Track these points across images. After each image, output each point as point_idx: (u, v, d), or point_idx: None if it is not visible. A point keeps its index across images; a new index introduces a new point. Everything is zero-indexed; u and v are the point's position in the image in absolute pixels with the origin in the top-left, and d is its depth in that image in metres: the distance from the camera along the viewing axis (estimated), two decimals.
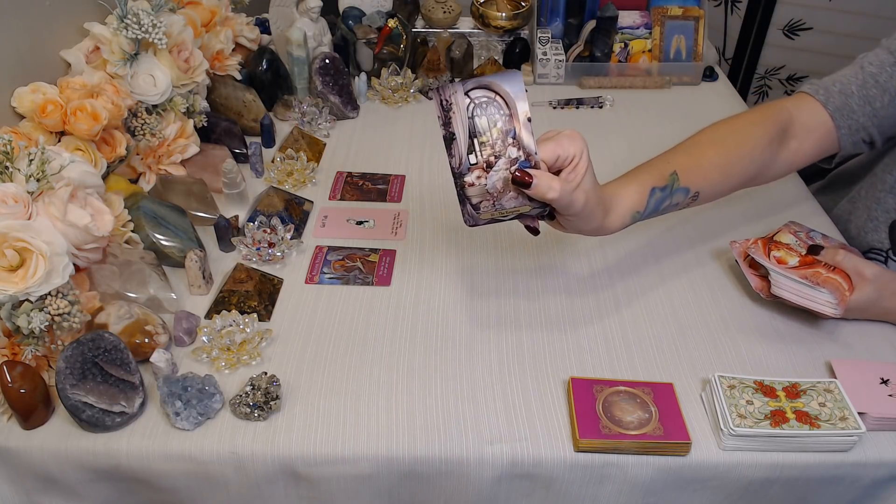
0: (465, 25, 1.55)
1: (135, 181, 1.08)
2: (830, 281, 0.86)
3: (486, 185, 0.74)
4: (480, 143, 0.73)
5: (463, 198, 0.75)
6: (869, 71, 0.95)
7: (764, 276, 0.91)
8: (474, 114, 0.73)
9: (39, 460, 0.77)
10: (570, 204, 0.74)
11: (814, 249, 0.91)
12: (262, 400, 0.78)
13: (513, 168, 0.73)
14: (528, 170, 0.73)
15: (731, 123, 0.94)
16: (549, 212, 0.78)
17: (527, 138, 0.73)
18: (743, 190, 1.14)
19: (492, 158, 0.73)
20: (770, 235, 0.96)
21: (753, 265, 0.93)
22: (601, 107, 1.41)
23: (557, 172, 0.75)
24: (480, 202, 0.75)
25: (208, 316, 0.92)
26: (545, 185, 0.72)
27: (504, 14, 1.49)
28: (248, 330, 0.86)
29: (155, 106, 1.07)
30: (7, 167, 0.79)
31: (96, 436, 0.77)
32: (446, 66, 1.45)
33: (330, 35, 1.39)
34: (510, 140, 0.73)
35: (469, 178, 0.74)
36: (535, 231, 0.80)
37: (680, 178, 0.86)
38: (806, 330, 0.91)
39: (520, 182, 0.72)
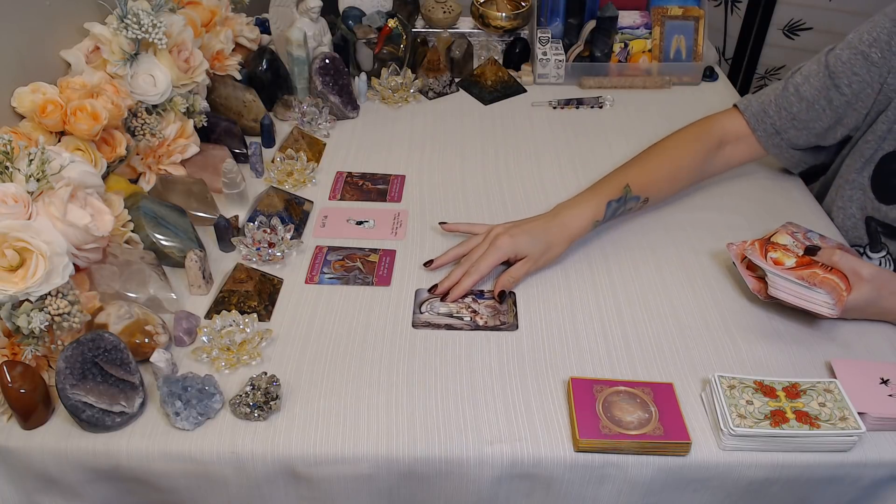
0: (465, 25, 1.55)
1: (135, 181, 1.08)
2: (827, 281, 0.86)
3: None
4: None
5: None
6: (793, 81, 1.07)
7: (761, 277, 0.91)
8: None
9: (39, 460, 0.77)
10: (530, 272, 0.97)
11: (810, 250, 0.91)
12: (262, 400, 0.78)
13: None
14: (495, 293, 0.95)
15: (675, 140, 1.10)
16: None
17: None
18: (744, 192, 1.16)
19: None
20: (767, 237, 0.96)
21: (751, 266, 0.93)
22: (601, 107, 1.41)
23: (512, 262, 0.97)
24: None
25: (208, 316, 0.92)
26: (510, 283, 0.96)
27: (504, 14, 1.49)
28: (248, 330, 0.86)
29: (155, 106, 1.07)
30: (7, 167, 0.79)
31: (96, 436, 0.77)
32: (446, 66, 1.45)
33: (330, 35, 1.39)
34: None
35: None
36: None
37: (632, 190, 1.03)
38: (806, 330, 0.91)
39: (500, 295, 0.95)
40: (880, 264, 1.02)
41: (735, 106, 1.13)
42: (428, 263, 0.99)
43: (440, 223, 1.05)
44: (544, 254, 0.97)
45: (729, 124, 1.12)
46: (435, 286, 0.96)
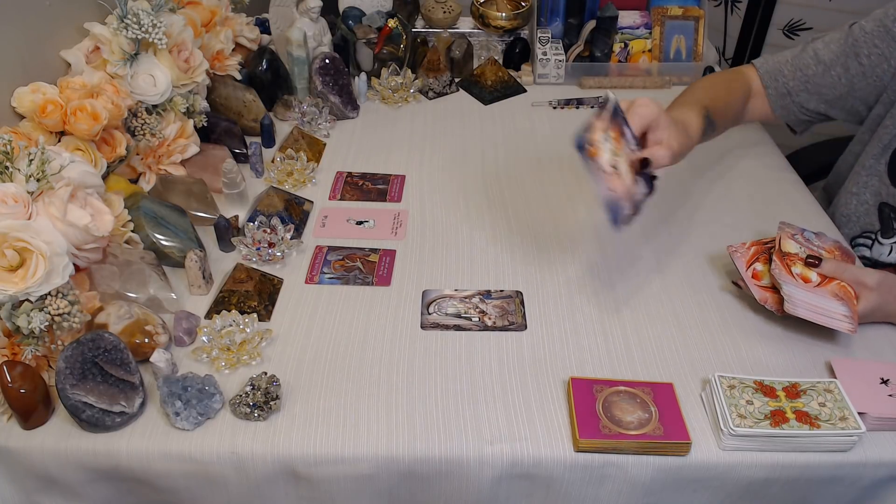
0: (465, 25, 1.55)
1: (135, 181, 1.08)
2: (846, 293, 0.87)
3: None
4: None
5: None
6: (813, 46, 1.06)
7: (767, 286, 0.91)
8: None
9: (39, 460, 0.77)
10: (676, 155, 0.87)
11: (811, 262, 0.90)
12: (262, 400, 0.78)
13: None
14: (641, 154, 0.86)
15: (719, 78, 1.11)
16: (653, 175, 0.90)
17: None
18: (743, 190, 1.16)
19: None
20: (767, 243, 0.95)
21: (755, 275, 0.92)
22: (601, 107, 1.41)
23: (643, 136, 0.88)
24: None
25: (208, 316, 0.92)
26: (659, 156, 0.85)
27: (504, 14, 1.49)
28: (248, 330, 0.86)
29: (155, 106, 1.07)
30: (7, 167, 0.79)
31: (96, 436, 0.77)
32: (446, 66, 1.45)
33: (330, 35, 1.39)
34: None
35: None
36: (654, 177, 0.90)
37: (711, 113, 0.99)
38: (806, 330, 0.91)
39: (643, 164, 0.86)
40: (891, 250, 1.02)
41: (752, 63, 1.12)
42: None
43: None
44: (684, 143, 0.90)
45: (748, 76, 1.11)
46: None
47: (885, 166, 1.02)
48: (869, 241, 1.05)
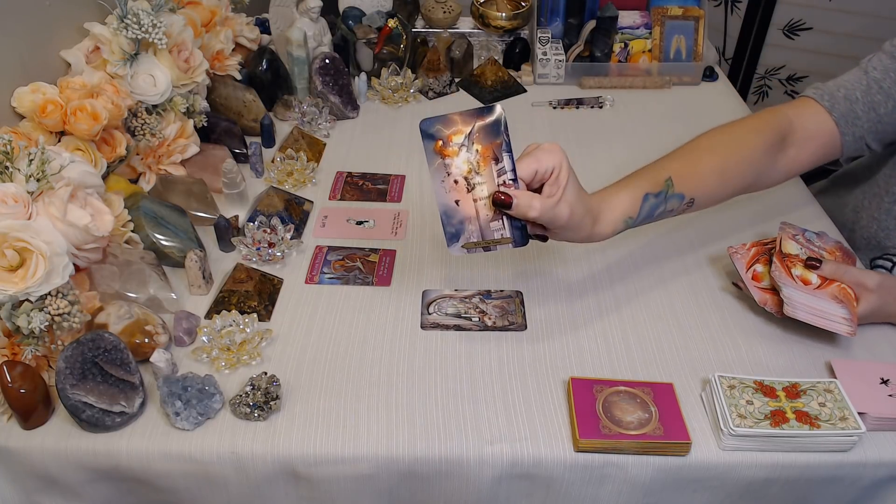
0: (465, 25, 1.55)
1: (135, 181, 1.08)
2: (846, 295, 0.86)
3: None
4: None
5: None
6: (873, 76, 0.94)
7: (767, 288, 0.91)
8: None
9: (39, 460, 0.77)
10: (555, 218, 0.75)
11: (811, 264, 0.90)
12: (262, 400, 0.78)
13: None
14: (506, 190, 0.73)
15: (730, 130, 0.92)
16: (538, 235, 0.79)
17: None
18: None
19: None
20: (767, 244, 0.95)
21: (755, 277, 0.92)
22: (601, 107, 1.41)
23: (540, 189, 0.75)
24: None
25: (208, 316, 0.92)
26: (525, 204, 0.72)
27: (504, 14, 1.49)
28: (248, 330, 0.86)
29: (155, 106, 1.07)
30: (7, 167, 0.79)
31: (96, 436, 0.77)
32: (446, 66, 1.45)
33: (330, 35, 1.39)
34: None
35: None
36: (542, 238, 0.80)
37: (675, 185, 0.85)
38: (806, 330, 0.91)
39: (500, 203, 0.73)
40: None
41: (810, 97, 0.96)
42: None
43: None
44: (577, 213, 0.76)
45: (801, 120, 0.94)
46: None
47: None
48: (889, 264, 1.03)
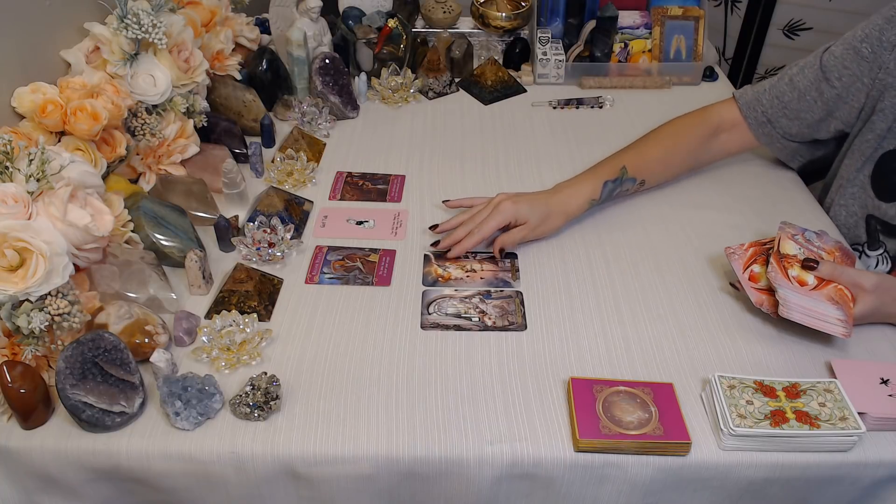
0: (465, 25, 1.55)
1: (135, 181, 1.08)
2: (842, 296, 0.86)
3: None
4: None
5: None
6: (790, 72, 1.10)
7: (763, 289, 0.91)
8: None
9: (39, 460, 0.77)
10: (526, 238, 1.03)
11: (808, 265, 0.90)
12: (262, 400, 0.78)
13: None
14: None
15: (672, 125, 1.15)
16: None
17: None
18: (743, 191, 1.16)
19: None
20: (766, 244, 0.95)
21: (753, 277, 0.92)
22: (601, 107, 1.41)
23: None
24: None
25: (208, 316, 0.92)
26: (508, 242, 1.01)
27: (504, 14, 1.49)
28: (248, 330, 0.86)
29: (155, 106, 1.07)
30: (7, 167, 0.79)
31: (96, 436, 0.77)
32: (446, 66, 1.45)
33: (330, 35, 1.39)
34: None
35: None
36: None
37: (628, 171, 1.08)
38: (805, 330, 0.90)
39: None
40: (877, 262, 1.03)
41: (733, 95, 1.17)
42: (434, 227, 1.04)
43: (443, 201, 1.09)
44: (542, 223, 1.02)
45: (725, 112, 1.15)
46: (437, 242, 1.02)
47: (868, 178, 1.03)
48: (857, 254, 1.05)
